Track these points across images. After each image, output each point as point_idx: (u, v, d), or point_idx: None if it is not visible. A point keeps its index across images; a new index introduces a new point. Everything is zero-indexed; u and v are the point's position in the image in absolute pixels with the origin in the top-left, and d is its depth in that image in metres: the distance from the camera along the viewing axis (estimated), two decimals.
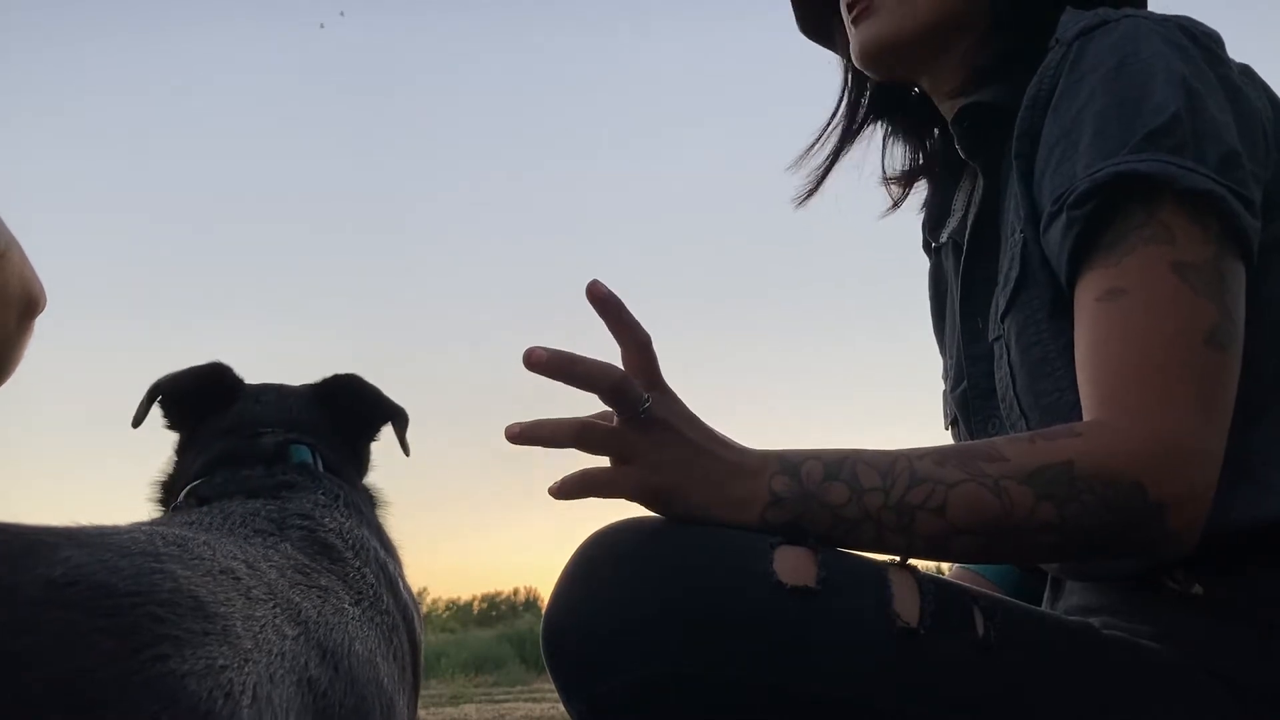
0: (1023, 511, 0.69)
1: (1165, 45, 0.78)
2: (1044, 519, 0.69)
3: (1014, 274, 0.84)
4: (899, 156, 1.12)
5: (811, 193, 1.08)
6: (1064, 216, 0.77)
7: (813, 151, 1.09)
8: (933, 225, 1.08)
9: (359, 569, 1.08)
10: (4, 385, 0.88)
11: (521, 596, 15.77)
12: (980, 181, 0.94)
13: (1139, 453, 0.69)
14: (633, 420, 0.70)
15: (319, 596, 0.92)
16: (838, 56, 1.11)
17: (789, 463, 0.72)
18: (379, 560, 1.15)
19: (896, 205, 1.12)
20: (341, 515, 1.18)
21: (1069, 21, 0.84)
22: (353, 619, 0.96)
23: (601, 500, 0.73)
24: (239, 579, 0.78)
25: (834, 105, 1.11)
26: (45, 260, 0.87)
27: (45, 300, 0.87)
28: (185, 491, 1.27)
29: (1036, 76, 0.83)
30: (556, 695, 0.71)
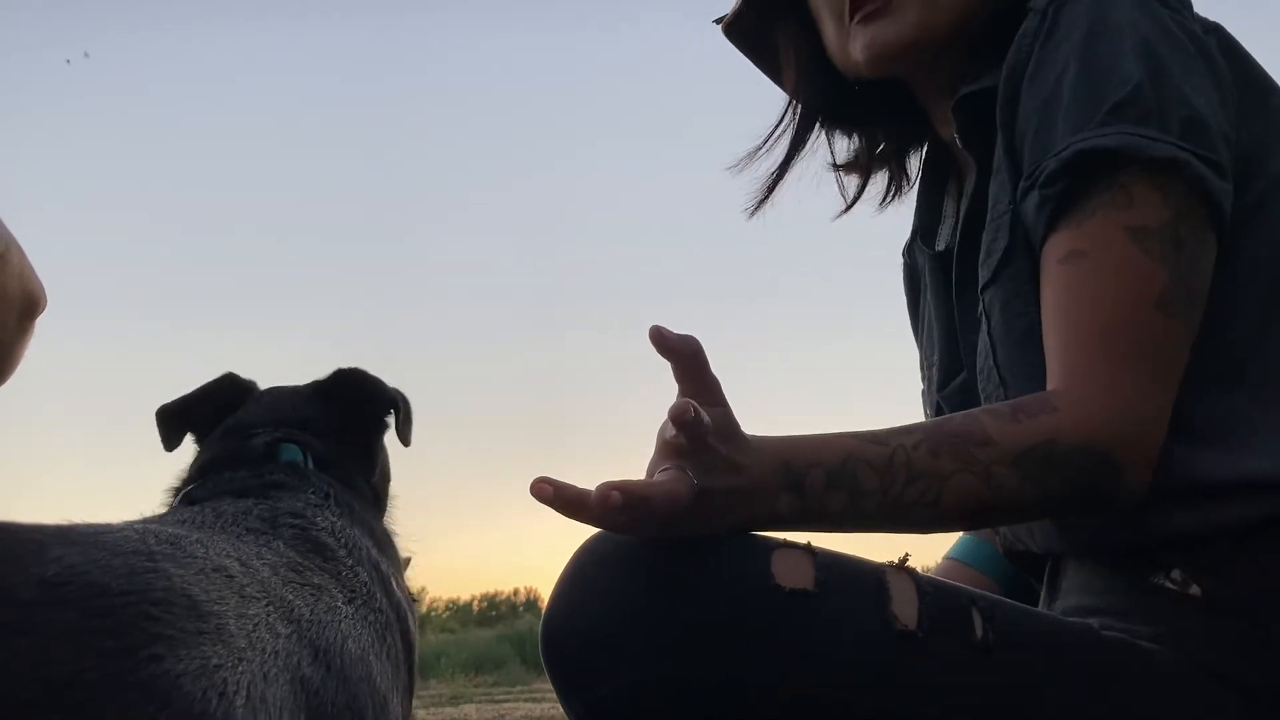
0: (1008, 494, 0.71)
1: (1133, 10, 0.78)
2: (1025, 498, 0.72)
3: (1000, 245, 0.84)
4: (847, 151, 1.09)
5: (762, 202, 1.05)
6: (1036, 194, 0.78)
7: (758, 155, 1.05)
8: (925, 233, 1.06)
9: (352, 567, 1.08)
10: (4, 385, 0.88)
11: (521, 596, 15.71)
12: (972, 177, 0.93)
13: (1109, 422, 0.72)
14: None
15: (312, 595, 0.92)
16: (790, 57, 1.04)
17: (794, 476, 0.70)
18: (372, 559, 1.15)
19: (849, 208, 1.10)
20: (333, 514, 1.18)
21: None
22: (345, 617, 0.96)
23: None
24: (232, 577, 0.78)
25: (781, 110, 1.05)
26: (45, 260, 0.87)
27: (45, 300, 0.87)
28: (180, 496, 1.28)
29: (1014, 45, 0.83)
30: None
